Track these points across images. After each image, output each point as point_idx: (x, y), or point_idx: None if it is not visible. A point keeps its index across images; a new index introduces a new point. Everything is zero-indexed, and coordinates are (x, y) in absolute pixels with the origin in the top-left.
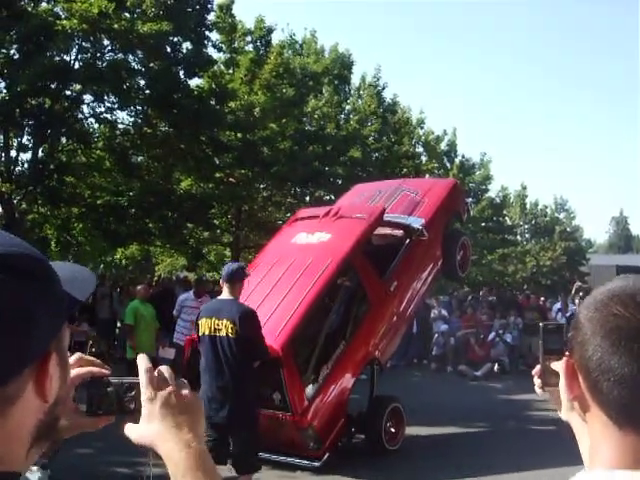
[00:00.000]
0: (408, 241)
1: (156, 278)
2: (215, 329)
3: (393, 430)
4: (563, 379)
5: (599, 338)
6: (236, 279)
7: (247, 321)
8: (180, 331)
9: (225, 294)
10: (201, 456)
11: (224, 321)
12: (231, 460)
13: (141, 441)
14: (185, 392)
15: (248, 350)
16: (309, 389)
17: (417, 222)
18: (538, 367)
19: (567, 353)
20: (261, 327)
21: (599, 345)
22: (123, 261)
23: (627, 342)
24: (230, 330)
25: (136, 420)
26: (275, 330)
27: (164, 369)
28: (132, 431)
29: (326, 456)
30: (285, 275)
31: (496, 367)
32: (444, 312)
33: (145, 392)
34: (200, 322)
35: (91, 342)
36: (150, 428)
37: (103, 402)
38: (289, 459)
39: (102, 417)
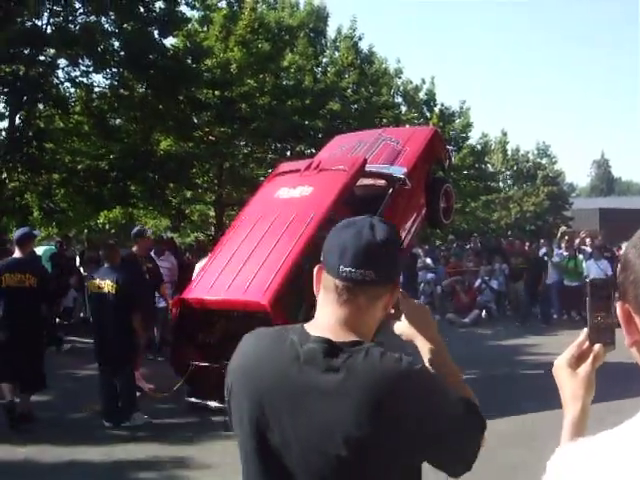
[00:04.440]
0: (391, 191)
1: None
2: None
3: None
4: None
5: None
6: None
7: None
8: None
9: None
10: (445, 349)
11: None
12: None
13: (405, 336)
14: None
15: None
16: None
17: (399, 171)
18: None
19: (619, 299)
20: None
21: None
22: (107, 225)
23: None
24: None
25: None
26: (262, 286)
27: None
28: (398, 328)
29: None
30: (269, 231)
31: (484, 313)
32: (429, 261)
33: (402, 300)
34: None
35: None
36: (411, 327)
37: None
38: None
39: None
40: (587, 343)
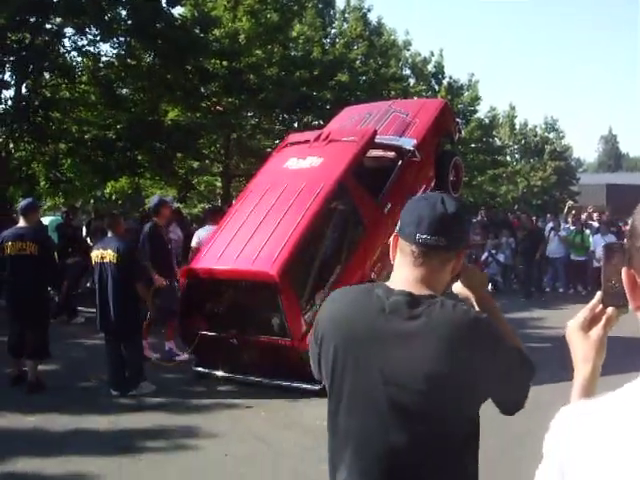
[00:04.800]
0: (400, 162)
1: (146, 210)
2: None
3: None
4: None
5: None
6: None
7: None
8: None
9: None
10: (496, 307)
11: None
12: None
13: (462, 295)
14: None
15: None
16: (308, 314)
17: (409, 143)
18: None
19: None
20: None
21: None
22: (113, 196)
23: None
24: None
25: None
26: (271, 257)
27: None
28: (457, 288)
29: None
30: (278, 201)
31: (490, 286)
32: None
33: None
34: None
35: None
36: (466, 288)
37: None
38: (291, 384)
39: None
40: (600, 306)
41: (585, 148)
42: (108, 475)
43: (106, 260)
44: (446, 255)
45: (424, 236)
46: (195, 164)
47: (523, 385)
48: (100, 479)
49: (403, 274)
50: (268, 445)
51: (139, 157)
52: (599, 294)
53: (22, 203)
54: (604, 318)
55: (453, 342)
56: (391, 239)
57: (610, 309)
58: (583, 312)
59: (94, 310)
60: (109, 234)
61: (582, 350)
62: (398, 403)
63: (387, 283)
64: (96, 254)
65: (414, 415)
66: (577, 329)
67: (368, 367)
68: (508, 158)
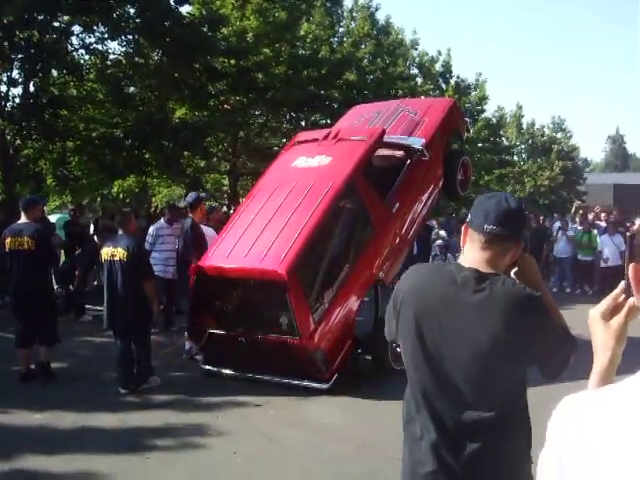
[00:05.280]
0: (409, 162)
1: (153, 209)
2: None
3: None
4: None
5: None
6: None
7: None
8: (159, 263)
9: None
10: (547, 292)
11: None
12: None
13: (518, 279)
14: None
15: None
16: (316, 313)
17: (417, 142)
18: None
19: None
20: None
21: None
22: (120, 195)
23: None
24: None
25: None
26: (279, 255)
27: None
28: (514, 273)
29: (334, 378)
30: (287, 200)
31: None
32: (443, 233)
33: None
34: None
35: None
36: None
37: None
38: (299, 382)
39: None
40: (623, 296)
41: (592, 148)
42: (116, 473)
43: (116, 258)
44: (507, 243)
45: (490, 227)
46: (202, 163)
47: (565, 356)
48: (108, 477)
49: (472, 256)
50: (276, 443)
51: (146, 155)
52: (623, 283)
53: (23, 199)
54: (626, 307)
55: (511, 313)
56: (463, 227)
57: (632, 299)
58: (605, 301)
59: (101, 308)
60: (120, 232)
61: (602, 338)
62: (466, 361)
63: (458, 262)
64: (106, 251)
65: (478, 371)
66: (598, 318)
67: (439, 330)
68: (515, 158)
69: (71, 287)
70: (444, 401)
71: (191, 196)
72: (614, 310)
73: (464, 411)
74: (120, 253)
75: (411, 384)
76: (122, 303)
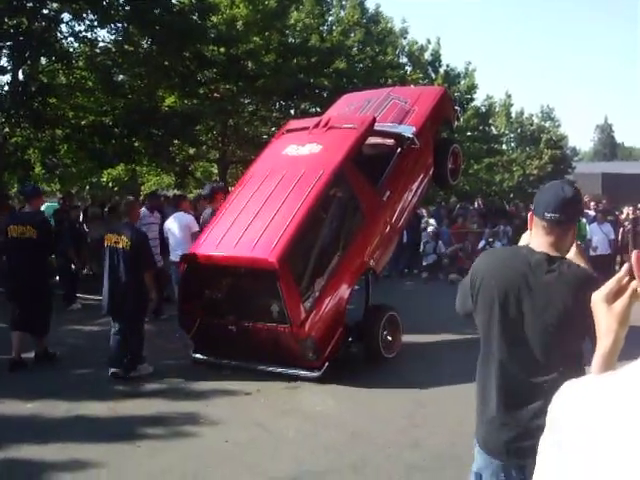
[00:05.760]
0: (400, 150)
1: (142, 197)
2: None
3: (390, 338)
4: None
5: None
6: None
7: None
8: None
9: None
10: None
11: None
12: None
13: (573, 260)
14: None
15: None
16: (307, 301)
17: (408, 130)
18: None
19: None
20: None
21: None
22: (110, 183)
23: None
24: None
25: None
26: (270, 243)
27: None
28: (569, 255)
29: (325, 366)
30: (277, 188)
31: None
32: (432, 221)
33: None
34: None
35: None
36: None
37: None
38: (290, 370)
39: None
40: (626, 278)
41: (581, 137)
42: (107, 461)
43: (119, 245)
44: (566, 228)
45: (550, 215)
46: (192, 151)
47: None
48: (99, 465)
49: (539, 240)
50: (268, 431)
51: (136, 144)
52: (626, 266)
53: (27, 188)
54: (629, 290)
55: (577, 290)
56: (529, 215)
57: (635, 281)
58: (609, 284)
59: (92, 296)
60: (125, 220)
61: (605, 321)
62: (540, 331)
63: (530, 246)
64: (109, 237)
65: (549, 341)
66: (601, 301)
67: (516, 304)
68: (504, 146)
69: (73, 266)
70: (517, 366)
71: (207, 188)
72: (618, 293)
73: (534, 375)
74: (124, 241)
75: (485, 351)
76: (122, 292)
